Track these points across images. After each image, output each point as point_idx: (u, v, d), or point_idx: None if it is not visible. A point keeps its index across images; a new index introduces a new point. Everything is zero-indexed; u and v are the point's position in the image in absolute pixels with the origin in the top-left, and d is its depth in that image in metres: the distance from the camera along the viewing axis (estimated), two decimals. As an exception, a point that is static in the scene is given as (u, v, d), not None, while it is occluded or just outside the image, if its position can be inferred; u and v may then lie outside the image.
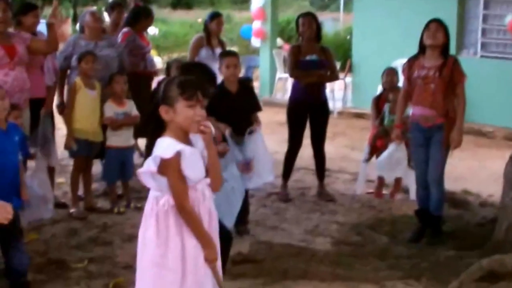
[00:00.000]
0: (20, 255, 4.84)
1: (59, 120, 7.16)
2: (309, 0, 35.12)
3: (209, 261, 3.50)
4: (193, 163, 3.45)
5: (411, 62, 6.17)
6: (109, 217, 6.66)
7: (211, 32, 8.45)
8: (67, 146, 6.74)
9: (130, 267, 5.34)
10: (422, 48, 6.09)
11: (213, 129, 3.50)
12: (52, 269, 5.30)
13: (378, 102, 7.88)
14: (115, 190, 7.02)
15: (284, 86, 14.92)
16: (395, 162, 7.07)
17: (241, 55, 7.99)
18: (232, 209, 5.52)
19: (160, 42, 21.71)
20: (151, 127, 3.48)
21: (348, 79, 14.16)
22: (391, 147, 7.08)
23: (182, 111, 3.39)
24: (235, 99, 6.03)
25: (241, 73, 7.28)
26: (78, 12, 28.12)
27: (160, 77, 9.18)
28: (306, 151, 7.96)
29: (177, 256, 3.45)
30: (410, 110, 6.36)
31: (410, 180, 7.17)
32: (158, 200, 3.48)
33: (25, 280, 4.90)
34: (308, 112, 7.54)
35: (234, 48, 16.21)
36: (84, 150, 6.78)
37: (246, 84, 6.73)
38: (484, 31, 12.53)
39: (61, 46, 6.94)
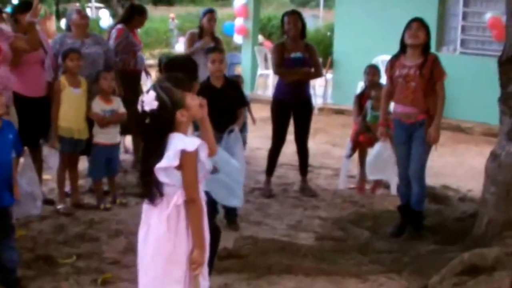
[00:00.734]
0: (11, 252, 4.82)
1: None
2: (290, -2, 35.18)
3: (197, 263, 3.49)
4: (206, 156, 3.52)
5: (393, 62, 6.21)
6: (95, 213, 6.69)
7: (203, 28, 8.51)
8: (51, 145, 6.74)
9: (118, 263, 5.43)
10: (403, 47, 6.13)
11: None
12: (40, 265, 5.32)
13: (361, 99, 7.98)
14: (101, 187, 7.05)
15: (265, 82, 14.98)
16: (383, 162, 7.10)
17: (223, 52, 8.05)
18: (236, 190, 5.44)
19: (141, 39, 21.60)
20: (156, 135, 3.45)
21: (329, 75, 14.21)
22: (377, 147, 7.13)
23: (191, 104, 3.48)
24: (219, 95, 5.99)
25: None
26: (60, 9, 28.00)
27: (152, 74, 9.31)
28: (289, 148, 8.03)
29: (185, 252, 3.49)
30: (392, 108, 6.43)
31: (391, 176, 7.26)
32: (169, 196, 3.48)
33: (15, 277, 4.89)
34: (292, 110, 7.58)
35: (216, 45, 16.19)
36: (70, 147, 6.79)
37: (232, 80, 6.78)
38: (463, 28, 12.72)
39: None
